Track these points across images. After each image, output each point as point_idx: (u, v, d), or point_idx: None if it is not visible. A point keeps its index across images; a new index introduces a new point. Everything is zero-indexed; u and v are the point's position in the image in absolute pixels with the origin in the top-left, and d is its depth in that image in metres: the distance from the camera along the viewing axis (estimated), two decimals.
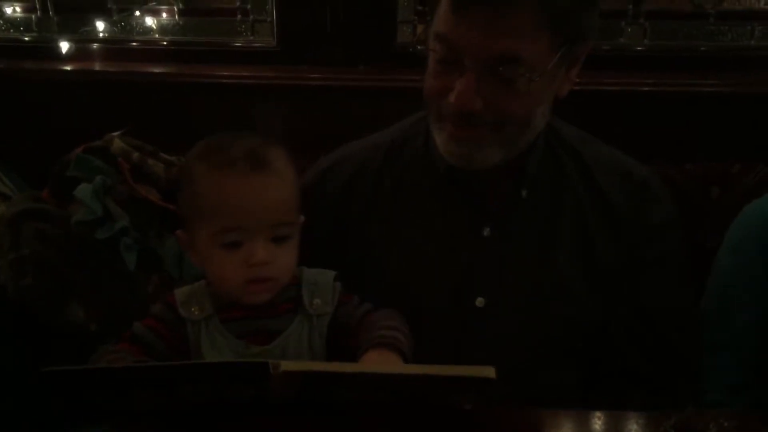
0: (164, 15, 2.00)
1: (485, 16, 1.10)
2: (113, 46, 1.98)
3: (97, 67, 1.95)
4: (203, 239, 1.12)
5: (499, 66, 1.12)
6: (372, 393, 1.00)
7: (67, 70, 1.93)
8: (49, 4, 1.99)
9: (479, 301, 1.28)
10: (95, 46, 1.98)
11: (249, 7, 1.97)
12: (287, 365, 0.92)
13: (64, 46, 1.96)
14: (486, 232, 1.30)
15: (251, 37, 1.98)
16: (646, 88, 1.85)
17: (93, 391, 0.94)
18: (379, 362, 1.06)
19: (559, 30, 1.13)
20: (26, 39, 2.01)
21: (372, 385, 0.98)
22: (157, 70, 1.94)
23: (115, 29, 1.99)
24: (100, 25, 1.98)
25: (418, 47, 1.14)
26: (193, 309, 1.13)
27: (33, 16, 2.00)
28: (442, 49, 1.16)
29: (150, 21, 1.99)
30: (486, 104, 1.15)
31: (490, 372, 0.92)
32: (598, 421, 1.05)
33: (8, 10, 2.01)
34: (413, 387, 1.00)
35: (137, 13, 1.99)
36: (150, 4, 2.00)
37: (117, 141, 1.62)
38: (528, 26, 1.10)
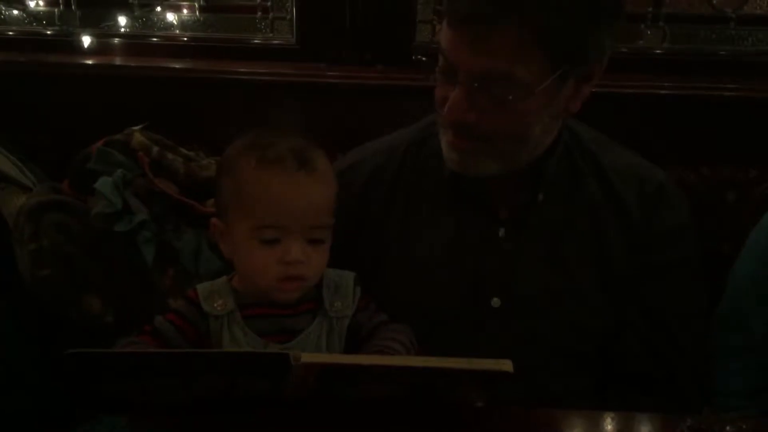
0: (185, 11, 2.01)
1: (476, 33, 1.11)
2: (134, 41, 2.00)
3: (118, 61, 1.97)
4: (240, 231, 1.13)
5: (488, 82, 1.13)
6: (389, 386, 1.01)
7: (88, 64, 1.95)
8: None
9: (495, 302, 1.29)
10: (116, 40, 1.99)
11: (269, 4, 1.97)
12: (307, 357, 0.93)
13: (86, 41, 1.97)
14: (502, 233, 1.31)
15: (271, 35, 1.99)
16: (665, 92, 1.84)
17: (113, 375, 0.94)
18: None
19: (552, 50, 1.12)
20: (48, 33, 2.02)
21: (390, 378, 0.99)
22: (177, 65, 1.95)
23: (137, 24, 2.01)
24: (122, 20, 1.99)
25: (422, 58, 1.16)
26: (216, 304, 1.14)
27: (55, 10, 2.02)
28: (442, 62, 1.18)
29: (171, 17, 2.00)
30: (478, 118, 1.16)
31: (507, 366, 0.93)
32: (612, 422, 1.05)
33: (31, 4, 2.02)
34: (430, 379, 1.00)
35: (158, 8, 2.00)
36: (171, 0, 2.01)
37: (137, 135, 1.64)
38: (517, 45, 1.10)
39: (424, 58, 1.20)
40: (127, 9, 1.99)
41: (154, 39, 2.00)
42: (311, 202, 1.12)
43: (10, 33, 2.03)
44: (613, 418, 1.06)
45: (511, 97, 1.13)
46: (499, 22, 1.09)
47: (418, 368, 0.99)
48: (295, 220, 1.11)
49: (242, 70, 1.93)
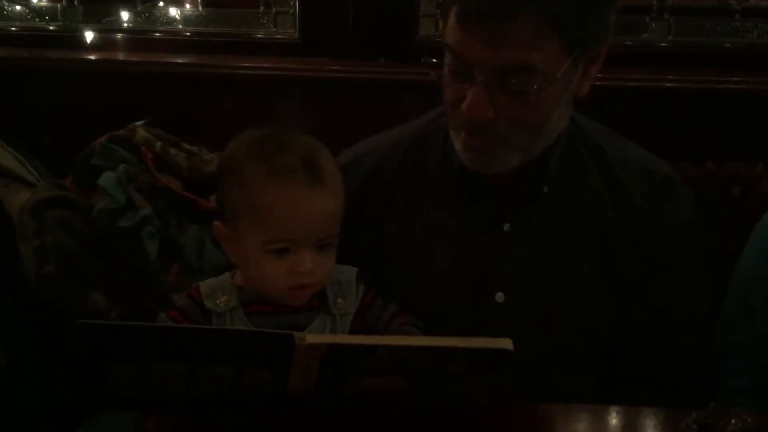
0: (187, 6, 2.01)
1: (490, 28, 1.09)
2: (137, 36, 1.99)
3: (121, 56, 1.96)
4: (248, 242, 1.12)
5: (508, 76, 1.12)
6: (390, 371, 1.01)
7: (91, 60, 1.94)
8: None
9: (499, 296, 1.29)
10: (119, 36, 1.99)
11: None
12: (312, 338, 0.93)
13: (89, 36, 1.97)
14: (506, 227, 1.30)
15: (273, 29, 1.98)
16: (669, 85, 1.83)
17: (119, 352, 0.93)
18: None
19: (567, 36, 1.12)
20: (51, 28, 2.01)
21: (392, 358, 0.99)
22: (179, 60, 1.95)
23: (139, 19, 2.00)
24: (124, 15, 1.99)
25: (430, 59, 1.15)
26: (218, 301, 1.14)
27: (58, 6, 2.01)
28: (452, 60, 1.16)
29: (173, 11, 2.00)
30: (498, 113, 1.15)
31: (507, 344, 0.94)
32: (617, 416, 1.04)
33: (34, 0, 2.03)
34: (432, 359, 1.00)
35: (161, 3, 2.00)
36: None
37: (140, 131, 1.63)
38: (533, 36, 1.09)
39: (434, 60, 1.19)
40: (129, 4, 1.99)
41: (157, 34, 2.00)
42: (323, 215, 1.12)
43: (13, 29, 2.02)
44: (618, 412, 1.05)
45: (535, 86, 1.12)
46: (513, 14, 1.08)
47: (420, 347, 0.99)
48: (306, 233, 1.10)
49: (245, 65, 1.92)
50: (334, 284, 1.18)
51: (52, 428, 1.36)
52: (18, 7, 2.02)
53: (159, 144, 1.63)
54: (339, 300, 1.17)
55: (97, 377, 0.95)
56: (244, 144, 1.15)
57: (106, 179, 1.55)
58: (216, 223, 1.18)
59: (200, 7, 2.00)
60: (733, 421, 0.91)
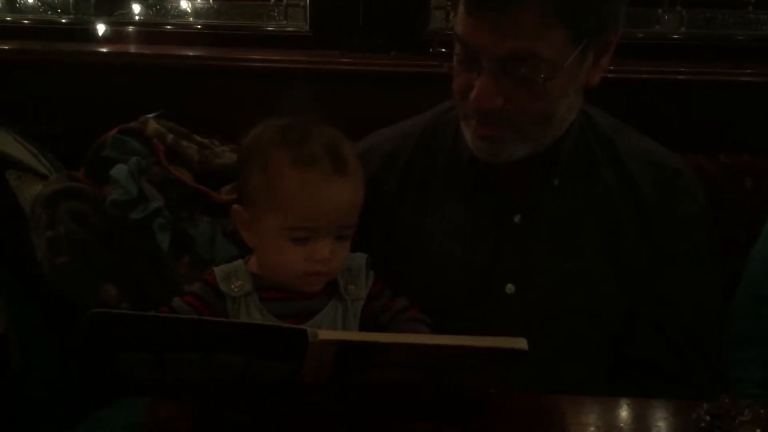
0: None
1: (496, 17, 1.10)
2: (148, 29, 2.00)
3: (133, 49, 1.98)
4: (269, 227, 1.13)
5: (515, 65, 1.12)
6: (404, 365, 1.01)
7: (102, 52, 1.96)
8: None
9: (509, 288, 1.29)
10: (130, 28, 2.00)
11: None
12: (325, 334, 0.93)
13: (100, 29, 1.98)
14: (517, 218, 1.30)
15: (284, 22, 1.99)
16: (682, 77, 1.83)
17: (133, 341, 0.93)
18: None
19: (575, 24, 1.12)
20: (63, 21, 2.03)
21: (405, 356, 0.99)
22: (191, 53, 1.96)
23: (150, 12, 2.01)
24: (136, 8, 2.00)
25: (439, 48, 1.14)
26: (233, 286, 1.15)
27: None
28: (461, 50, 1.17)
29: (185, 4, 2.01)
30: (506, 102, 1.15)
31: (522, 343, 0.94)
32: (627, 408, 1.04)
33: None
34: (446, 358, 1.01)
35: None
36: None
37: (152, 123, 1.64)
38: (540, 24, 1.10)
39: (443, 49, 1.19)
40: None
41: (168, 27, 2.01)
42: (345, 205, 1.13)
43: (25, 21, 2.04)
44: (628, 405, 1.05)
45: (542, 75, 1.12)
46: (520, 3, 1.09)
47: (434, 346, 0.99)
48: (328, 222, 1.11)
49: (256, 57, 1.93)
50: (345, 271, 1.18)
51: (64, 416, 1.37)
52: (30, 0, 2.04)
53: (170, 136, 1.64)
54: (350, 287, 1.18)
55: (110, 363, 0.96)
56: (267, 131, 1.16)
57: (118, 171, 1.55)
58: (235, 206, 1.18)
59: (211, 0, 2.01)
60: (745, 413, 0.91)
